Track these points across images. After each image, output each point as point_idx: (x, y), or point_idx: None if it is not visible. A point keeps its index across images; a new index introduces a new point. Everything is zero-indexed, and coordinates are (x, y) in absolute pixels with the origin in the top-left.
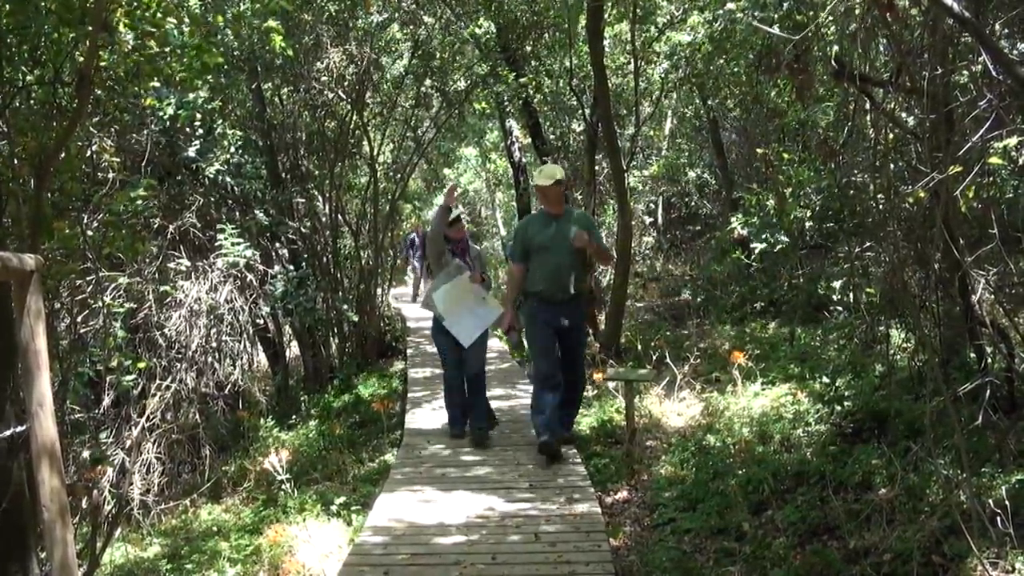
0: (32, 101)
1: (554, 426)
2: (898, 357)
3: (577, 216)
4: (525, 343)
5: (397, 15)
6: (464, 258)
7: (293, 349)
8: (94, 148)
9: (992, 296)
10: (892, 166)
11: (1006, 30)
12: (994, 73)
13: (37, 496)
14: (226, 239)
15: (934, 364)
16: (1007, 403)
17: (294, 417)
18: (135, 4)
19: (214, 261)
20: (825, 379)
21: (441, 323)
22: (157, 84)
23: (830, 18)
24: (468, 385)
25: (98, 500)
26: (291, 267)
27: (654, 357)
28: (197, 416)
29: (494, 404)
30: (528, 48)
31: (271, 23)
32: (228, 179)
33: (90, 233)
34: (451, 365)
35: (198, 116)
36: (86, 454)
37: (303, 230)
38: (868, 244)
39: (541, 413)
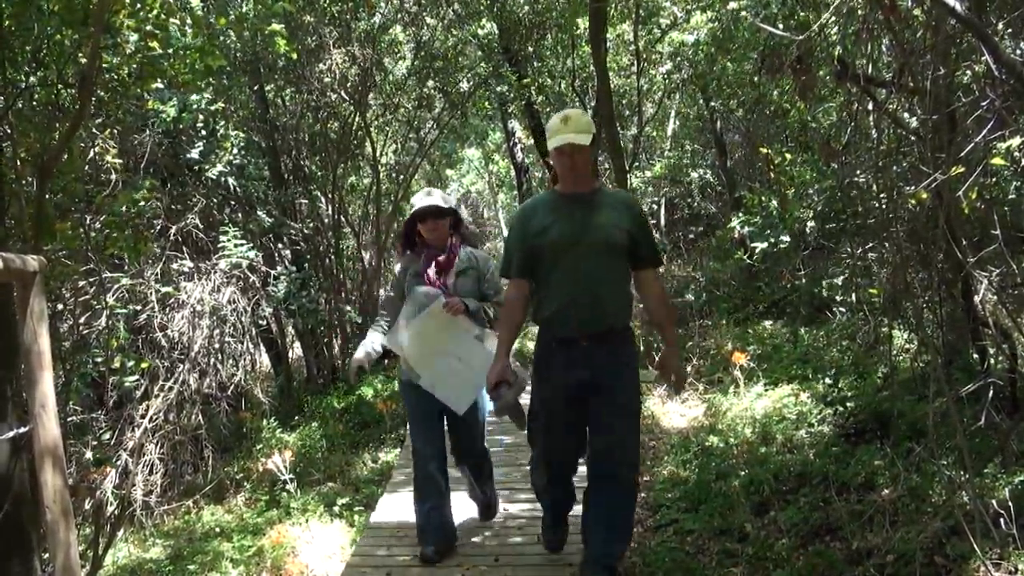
0: (34, 102)
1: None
2: (900, 358)
3: (615, 199)
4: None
5: (400, 16)
6: (445, 279)
7: (296, 350)
8: (96, 149)
9: (995, 297)
10: (894, 166)
11: (1009, 30)
12: (996, 73)
13: (40, 497)
14: (229, 240)
15: (936, 365)
16: (1010, 404)
17: (296, 418)
18: (137, 6)
19: (217, 262)
20: (827, 380)
21: (411, 377)
22: (159, 86)
23: (832, 18)
24: (466, 473)
25: (101, 501)
26: (294, 268)
27: (656, 358)
28: (200, 417)
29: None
30: (530, 49)
31: (274, 26)
32: (231, 180)
33: (93, 234)
34: (425, 439)
35: (200, 118)
36: (89, 455)
37: (306, 231)
38: (870, 245)
39: (553, 544)
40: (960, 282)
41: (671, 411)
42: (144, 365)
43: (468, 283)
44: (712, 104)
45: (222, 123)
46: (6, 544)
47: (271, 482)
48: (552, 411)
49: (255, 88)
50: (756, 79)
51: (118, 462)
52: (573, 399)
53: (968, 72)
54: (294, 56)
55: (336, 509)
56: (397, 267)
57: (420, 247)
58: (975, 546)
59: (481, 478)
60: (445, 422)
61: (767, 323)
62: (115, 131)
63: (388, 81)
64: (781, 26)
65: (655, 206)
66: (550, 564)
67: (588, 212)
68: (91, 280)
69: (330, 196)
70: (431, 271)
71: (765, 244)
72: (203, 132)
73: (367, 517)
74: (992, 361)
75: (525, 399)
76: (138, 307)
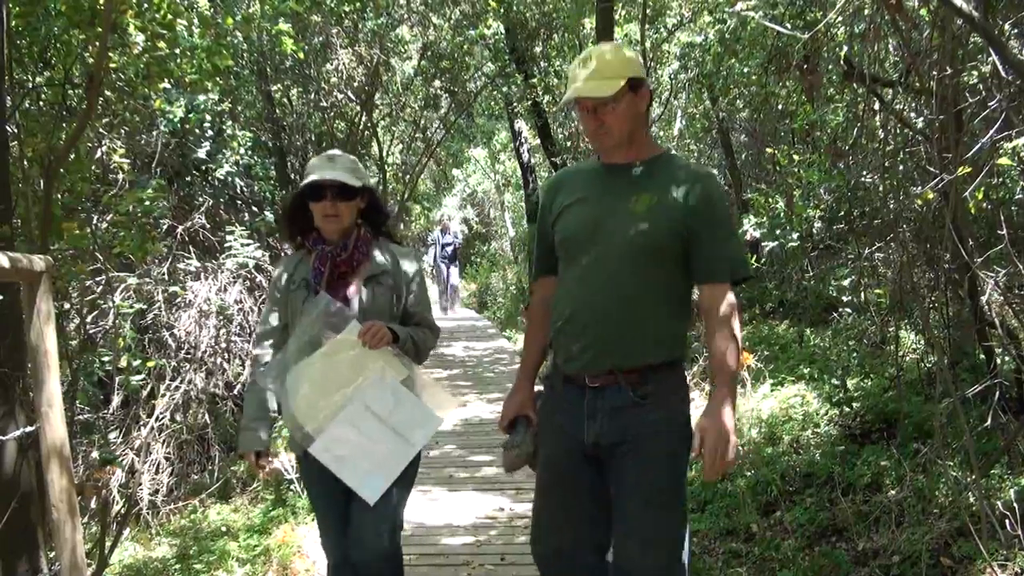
0: (42, 102)
1: None
2: (907, 358)
3: (677, 174)
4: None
5: (406, 16)
6: (345, 290)
7: None
8: (103, 149)
9: (1001, 297)
10: (901, 167)
11: (1015, 31)
12: (1003, 74)
13: (46, 496)
14: (235, 240)
15: (943, 365)
16: (1016, 404)
17: None
18: (144, 6)
19: (223, 262)
20: (834, 380)
21: (298, 439)
22: (167, 86)
23: (839, 18)
24: None
25: (107, 500)
26: None
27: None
28: (206, 416)
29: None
30: (537, 49)
31: (281, 26)
32: (238, 180)
33: (100, 234)
34: (332, 540)
35: (208, 118)
36: (95, 454)
37: None
38: (877, 245)
39: None
40: (967, 282)
41: None
42: (151, 364)
43: (381, 297)
44: (718, 104)
45: (229, 123)
46: (13, 543)
47: (277, 481)
48: (550, 473)
49: (262, 88)
50: (763, 79)
51: (124, 461)
52: (580, 464)
53: (975, 72)
54: (301, 56)
55: None
56: (276, 271)
57: (313, 240)
58: (981, 547)
59: None
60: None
61: (774, 323)
62: (122, 131)
63: (395, 81)
64: (788, 26)
65: None
66: None
67: (625, 193)
68: (98, 280)
69: None
70: (323, 278)
71: (775, 243)
72: (210, 132)
73: None
74: (999, 362)
75: None
76: (145, 306)
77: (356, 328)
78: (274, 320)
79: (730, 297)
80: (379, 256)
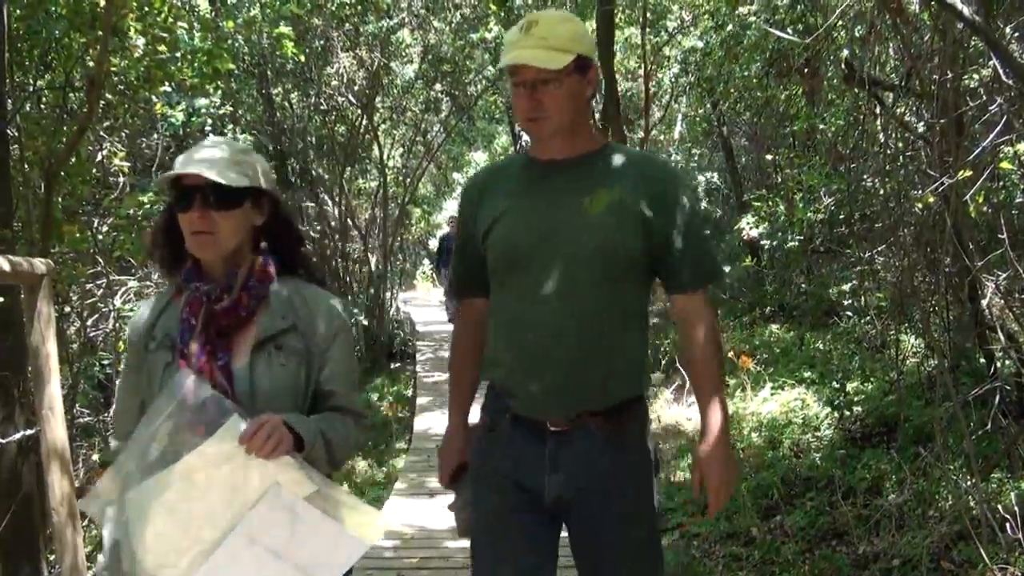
0: (43, 105)
1: None
2: (907, 362)
3: (630, 169)
4: None
5: (407, 19)
6: (232, 360)
7: None
8: (104, 152)
9: (1002, 301)
10: (901, 170)
11: (1016, 34)
12: (1004, 77)
13: (47, 499)
14: None
15: (943, 369)
16: (1017, 408)
17: None
18: (145, 9)
19: None
20: (834, 384)
21: None
22: (167, 89)
23: (840, 22)
24: None
25: None
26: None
27: (663, 362)
28: None
29: None
30: None
31: (282, 29)
32: None
33: (100, 237)
34: None
35: (208, 121)
36: (96, 457)
37: (312, 234)
38: (878, 248)
39: None
40: (967, 286)
41: (678, 415)
42: None
43: (282, 371)
44: (719, 107)
45: (230, 126)
46: (14, 546)
47: None
48: (491, 531)
49: (263, 91)
50: (763, 82)
51: None
52: (530, 520)
53: (975, 76)
54: (302, 59)
55: None
56: (141, 311)
57: (186, 273)
58: (982, 551)
59: None
60: None
61: (774, 327)
62: (123, 134)
63: (395, 84)
64: (790, 30)
65: None
66: (559, 567)
67: (575, 192)
68: (98, 283)
69: (337, 199)
70: (192, 339)
71: (775, 242)
72: (211, 135)
73: None
74: (999, 365)
75: None
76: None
77: (238, 428)
78: (129, 398)
79: (709, 305)
80: (283, 304)
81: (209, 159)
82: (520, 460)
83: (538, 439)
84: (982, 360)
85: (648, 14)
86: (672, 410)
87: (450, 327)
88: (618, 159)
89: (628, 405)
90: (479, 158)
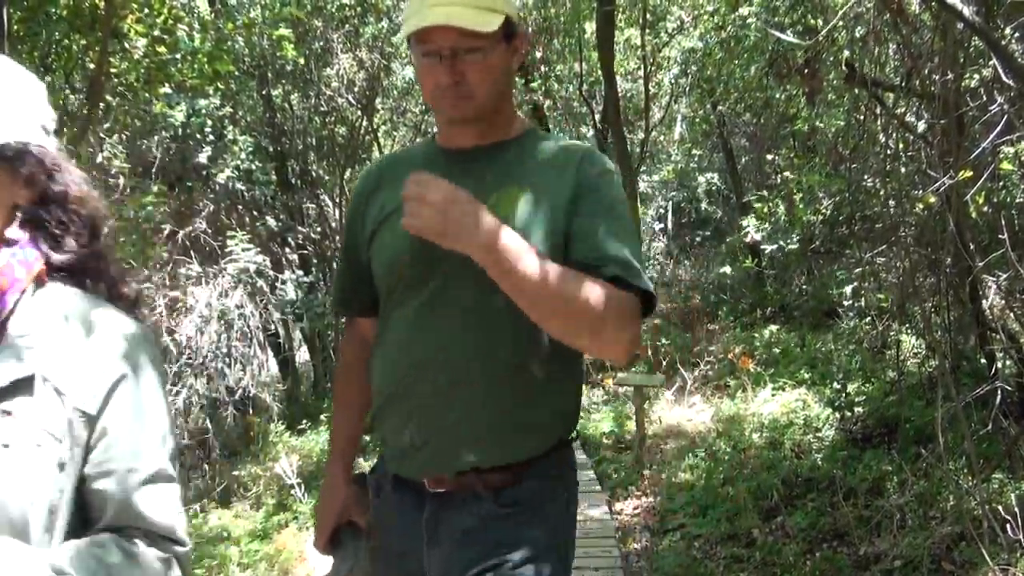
0: None
1: None
2: (908, 362)
3: (550, 157)
4: None
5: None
6: None
7: (303, 354)
8: (104, 154)
9: (1003, 301)
10: (902, 171)
11: (1016, 35)
12: (1004, 78)
13: None
14: (236, 245)
15: (944, 369)
16: (1018, 409)
17: (304, 422)
18: (145, 11)
19: (224, 267)
20: (835, 385)
21: None
22: (168, 90)
23: (840, 23)
24: None
25: None
26: (301, 272)
27: (664, 362)
28: (207, 421)
29: None
30: (537, 53)
31: (282, 31)
32: (238, 185)
33: None
34: None
35: (208, 122)
36: None
37: (313, 235)
38: (878, 249)
39: None
40: (968, 286)
41: (679, 416)
42: None
43: (23, 454)
44: (719, 108)
45: (230, 128)
46: None
47: (279, 486)
48: None
49: (263, 93)
50: (763, 83)
51: None
52: None
53: (976, 76)
54: (301, 61)
55: None
56: None
57: None
58: (983, 551)
59: None
60: None
61: (775, 327)
62: (123, 136)
63: (395, 86)
64: (790, 32)
65: (663, 210)
66: None
67: (480, 190)
68: None
69: (337, 200)
70: None
71: (776, 246)
72: (211, 137)
73: None
74: (1000, 366)
75: None
76: (146, 311)
77: None
78: None
79: (627, 299)
80: (40, 333)
81: None
82: (400, 530)
83: (416, 502)
84: (983, 360)
85: (648, 15)
86: (672, 411)
87: None
88: (537, 149)
89: (536, 461)
90: None
